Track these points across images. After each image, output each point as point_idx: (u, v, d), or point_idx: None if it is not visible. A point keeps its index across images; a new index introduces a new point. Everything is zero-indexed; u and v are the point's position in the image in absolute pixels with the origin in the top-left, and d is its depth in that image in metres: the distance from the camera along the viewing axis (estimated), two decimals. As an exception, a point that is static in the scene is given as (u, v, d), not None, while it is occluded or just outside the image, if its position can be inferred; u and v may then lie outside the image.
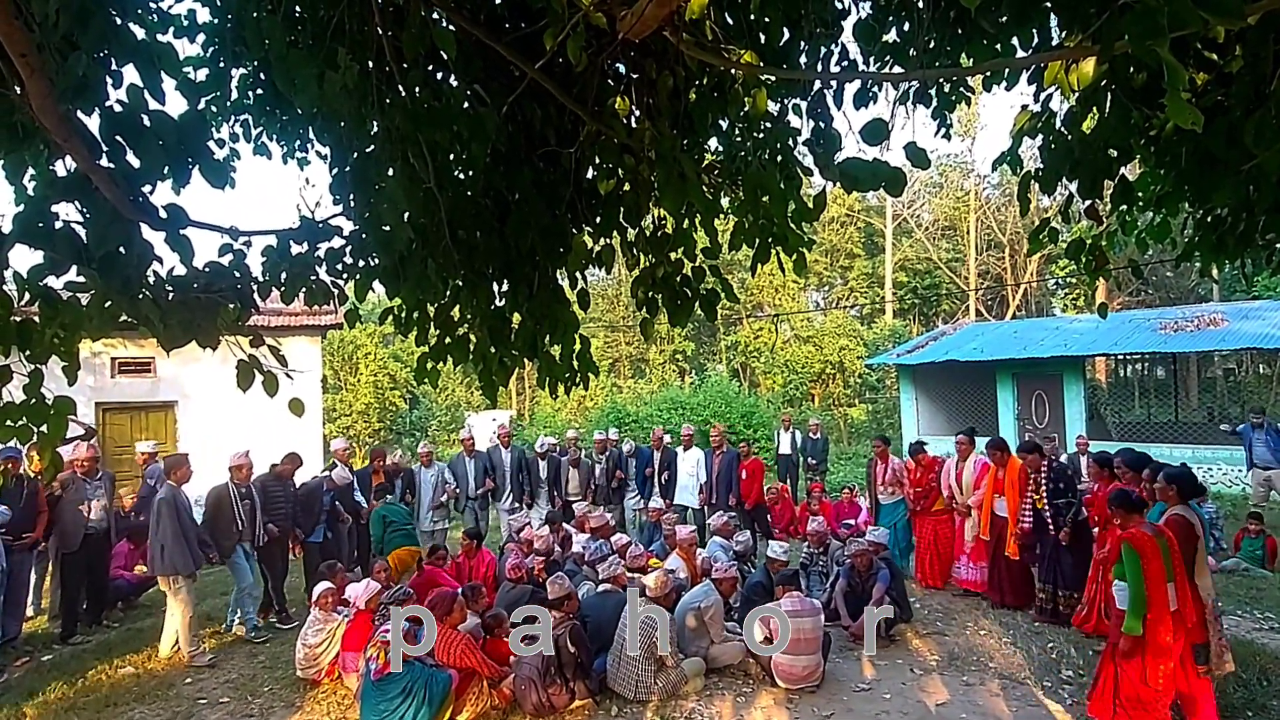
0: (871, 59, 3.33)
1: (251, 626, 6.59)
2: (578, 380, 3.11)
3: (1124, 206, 3.25)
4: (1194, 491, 4.61)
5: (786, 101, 3.28)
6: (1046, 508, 6.41)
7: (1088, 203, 3.12)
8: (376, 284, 2.91)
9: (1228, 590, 7.25)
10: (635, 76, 3.00)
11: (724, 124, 3.17)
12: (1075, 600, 6.27)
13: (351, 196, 2.77)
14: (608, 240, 3.18)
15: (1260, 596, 7.05)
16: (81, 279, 2.29)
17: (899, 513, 8.01)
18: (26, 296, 2.24)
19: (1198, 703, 4.22)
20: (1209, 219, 3.16)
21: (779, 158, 2.95)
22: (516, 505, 9.27)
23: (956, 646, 5.96)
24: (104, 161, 2.16)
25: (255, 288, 2.73)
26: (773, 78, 3.04)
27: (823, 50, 3.29)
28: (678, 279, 3.10)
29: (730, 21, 2.89)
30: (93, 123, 2.18)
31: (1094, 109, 2.85)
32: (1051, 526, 6.39)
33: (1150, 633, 4.15)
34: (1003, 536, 6.82)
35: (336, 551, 7.62)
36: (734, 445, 10.01)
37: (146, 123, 2.18)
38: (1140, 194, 3.27)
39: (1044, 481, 6.48)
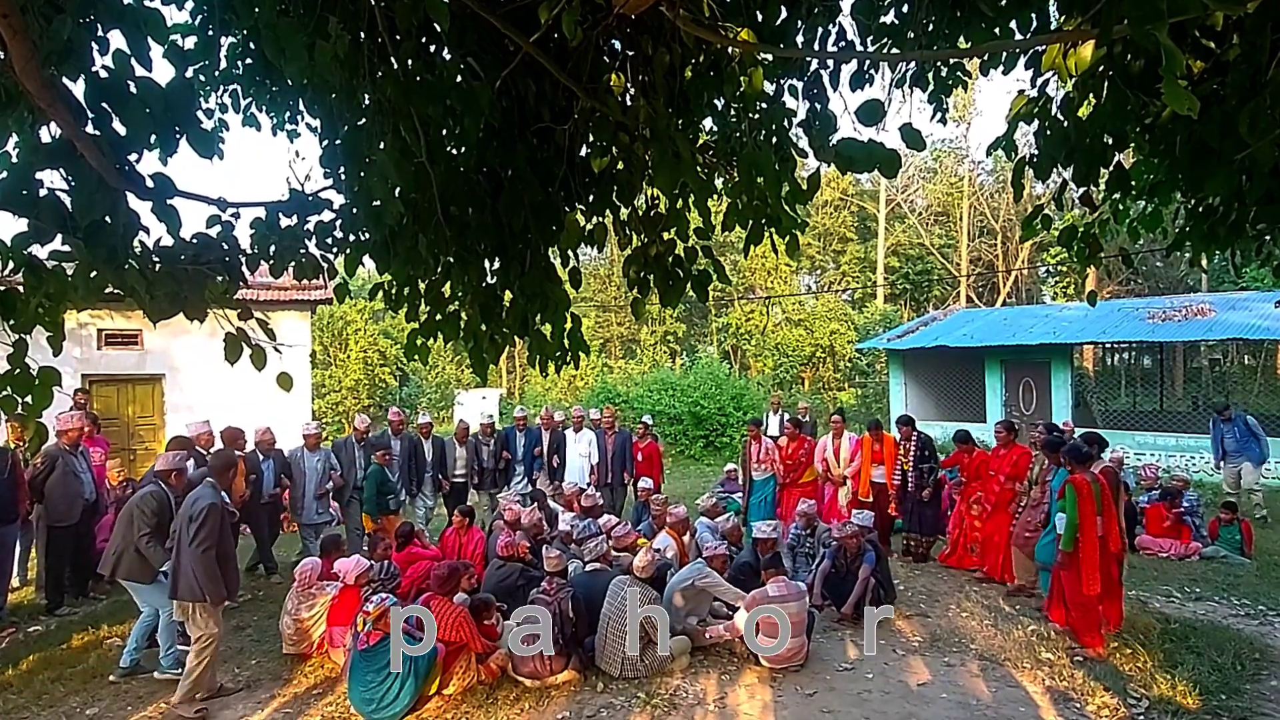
0: (869, 40, 3.31)
1: (174, 662, 5.25)
2: (568, 359, 3.11)
3: (1117, 194, 3.25)
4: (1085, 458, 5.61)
5: (783, 82, 3.26)
6: (912, 471, 8.06)
7: (1082, 190, 3.12)
8: (367, 259, 2.89)
9: (1206, 577, 7.38)
10: (631, 53, 2.96)
11: (719, 103, 3.15)
12: (930, 543, 8.12)
13: (342, 169, 2.75)
14: (600, 219, 3.17)
15: (1237, 583, 7.17)
16: (67, 248, 2.26)
17: (769, 488, 8.91)
18: (10, 265, 2.21)
19: (1114, 602, 5.60)
20: (1201, 208, 3.16)
21: (774, 139, 2.94)
22: (404, 497, 8.73)
23: (939, 628, 6.04)
24: (89, 128, 2.12)
25: (243, 260, 2.70)
26: (770, 56, 3.01)
27: (820, 30, 3.26)
28: (670, 259, 3.09)
29: (728, -2, 2.86)
30: (78, 88, 2.14)
31: (1091, 95, 2.84)
32: (914, 486, 8.04)
33: (1082, 552, 5.33)
34: (880, 497, 8.33)
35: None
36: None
37: (133, 90, 2.14)
38: (1134, 182, 3.28)
39: (911, 449, 8.10)
